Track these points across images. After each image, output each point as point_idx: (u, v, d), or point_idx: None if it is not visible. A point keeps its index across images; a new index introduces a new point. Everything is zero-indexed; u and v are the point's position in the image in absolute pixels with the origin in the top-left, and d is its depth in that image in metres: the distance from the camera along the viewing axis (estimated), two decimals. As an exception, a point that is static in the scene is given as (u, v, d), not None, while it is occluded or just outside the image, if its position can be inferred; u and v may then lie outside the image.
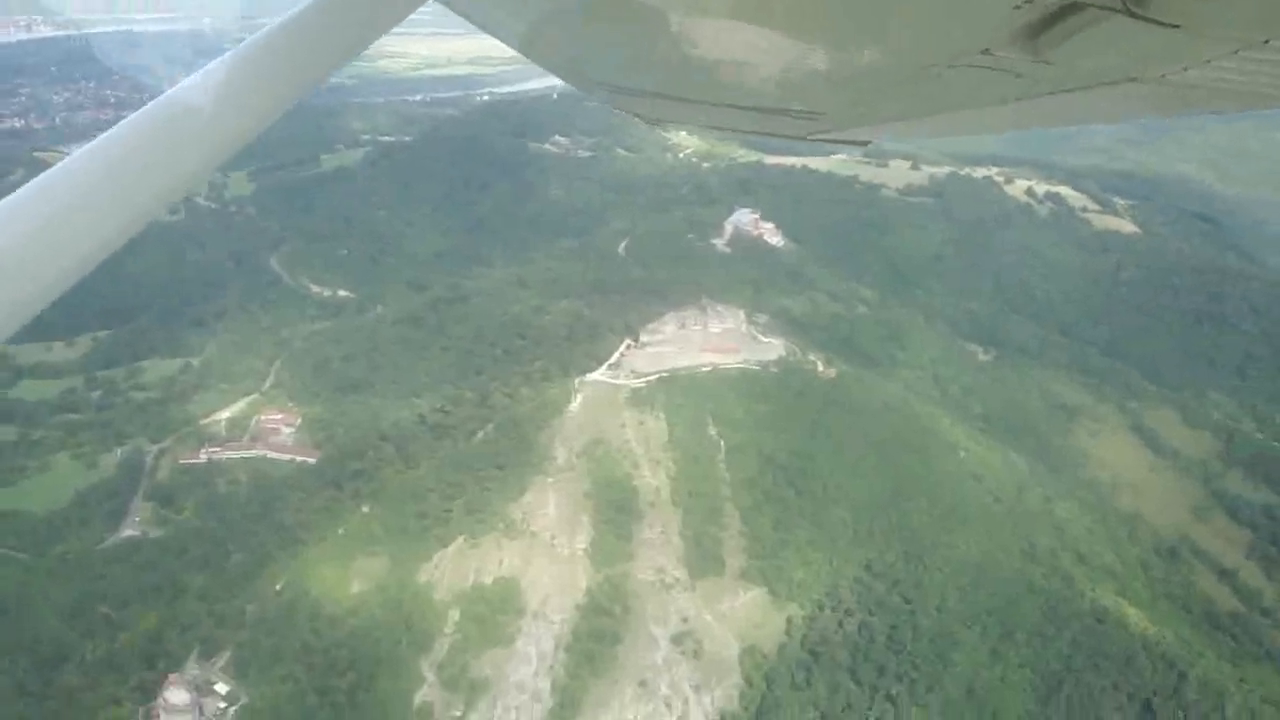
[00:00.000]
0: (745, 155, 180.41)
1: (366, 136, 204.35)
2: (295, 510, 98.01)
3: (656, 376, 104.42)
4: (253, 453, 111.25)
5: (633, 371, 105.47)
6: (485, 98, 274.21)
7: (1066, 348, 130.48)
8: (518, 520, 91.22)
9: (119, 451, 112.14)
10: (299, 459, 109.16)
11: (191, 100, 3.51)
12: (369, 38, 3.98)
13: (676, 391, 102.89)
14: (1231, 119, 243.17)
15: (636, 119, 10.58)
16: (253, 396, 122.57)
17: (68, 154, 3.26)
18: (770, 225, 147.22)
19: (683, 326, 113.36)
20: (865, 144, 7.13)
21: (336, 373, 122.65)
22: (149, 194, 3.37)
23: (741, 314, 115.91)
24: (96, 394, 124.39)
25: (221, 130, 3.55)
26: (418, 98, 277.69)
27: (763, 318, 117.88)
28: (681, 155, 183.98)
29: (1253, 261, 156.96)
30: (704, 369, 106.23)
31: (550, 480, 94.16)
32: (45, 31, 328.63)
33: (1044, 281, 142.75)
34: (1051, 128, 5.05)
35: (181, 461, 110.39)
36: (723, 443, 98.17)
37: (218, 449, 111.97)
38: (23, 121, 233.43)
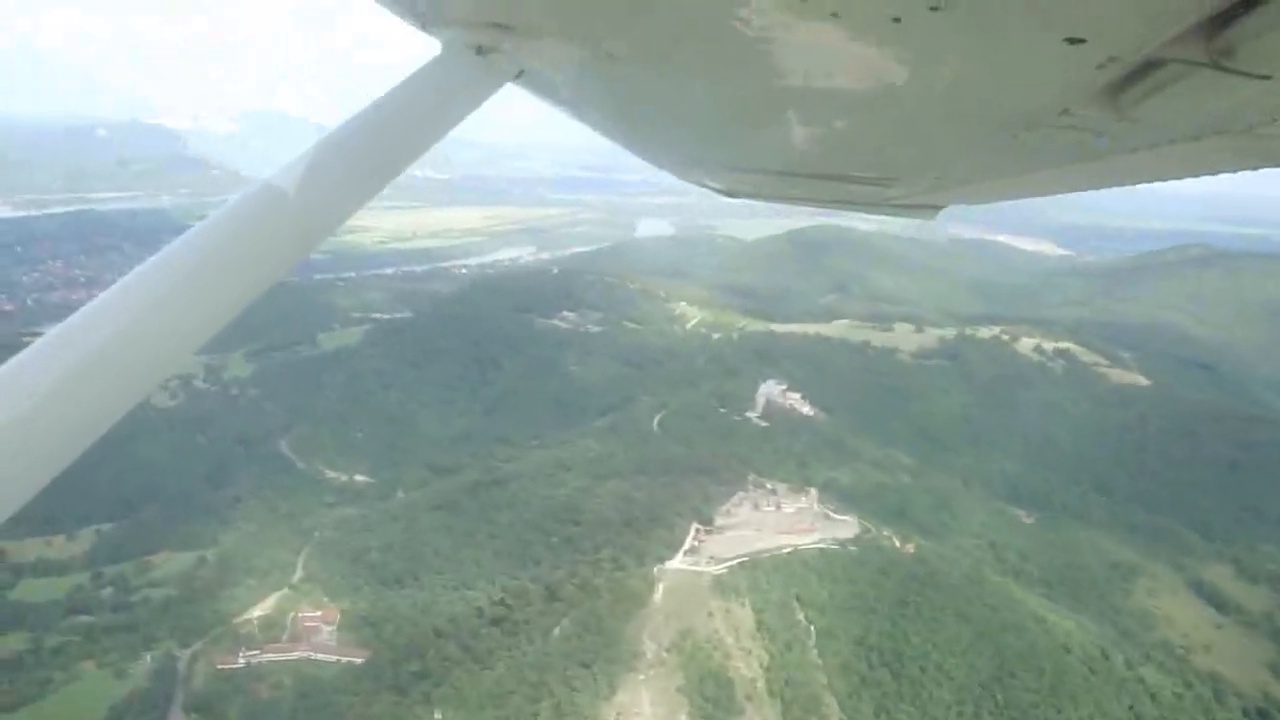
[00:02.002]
0: (752, 324, 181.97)
1: (358, 314, 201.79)
2: (358, 718, 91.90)
3: (737, 561, 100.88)
4: (295, 654, 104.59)
5: (712, 557, 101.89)
6: (464, 270, 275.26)
7: (1107, 505, 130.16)
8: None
9: (149, 658, 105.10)
10: (345, 659, 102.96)
11: (214, 239, 3.37)
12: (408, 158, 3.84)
13: (759, 576, 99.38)
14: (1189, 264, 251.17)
15: (713, 193, 9.77)
16: (283, 591, 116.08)
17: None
18: (797, 395, 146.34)
19: (756, 508, 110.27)
20: (937, 209, 7.13)
21: (373, 564, 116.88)
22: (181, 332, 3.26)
23: (813, 492, 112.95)
24: (107, 592, 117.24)
25: (245, 272, 3.39)
26: (390, 271, 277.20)
27: (832, 495, 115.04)
28: (689, 326, 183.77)
29: (1260, 405, 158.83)
30: (784, 551, 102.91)
31: (642, 677, 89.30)
32: (5, 211, 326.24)
33: (1073, 438, 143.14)
34: (1133, 184, 4.39)
35: (219, 666, 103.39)
36: (812, 628, 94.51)
37: (256, 651, 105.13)
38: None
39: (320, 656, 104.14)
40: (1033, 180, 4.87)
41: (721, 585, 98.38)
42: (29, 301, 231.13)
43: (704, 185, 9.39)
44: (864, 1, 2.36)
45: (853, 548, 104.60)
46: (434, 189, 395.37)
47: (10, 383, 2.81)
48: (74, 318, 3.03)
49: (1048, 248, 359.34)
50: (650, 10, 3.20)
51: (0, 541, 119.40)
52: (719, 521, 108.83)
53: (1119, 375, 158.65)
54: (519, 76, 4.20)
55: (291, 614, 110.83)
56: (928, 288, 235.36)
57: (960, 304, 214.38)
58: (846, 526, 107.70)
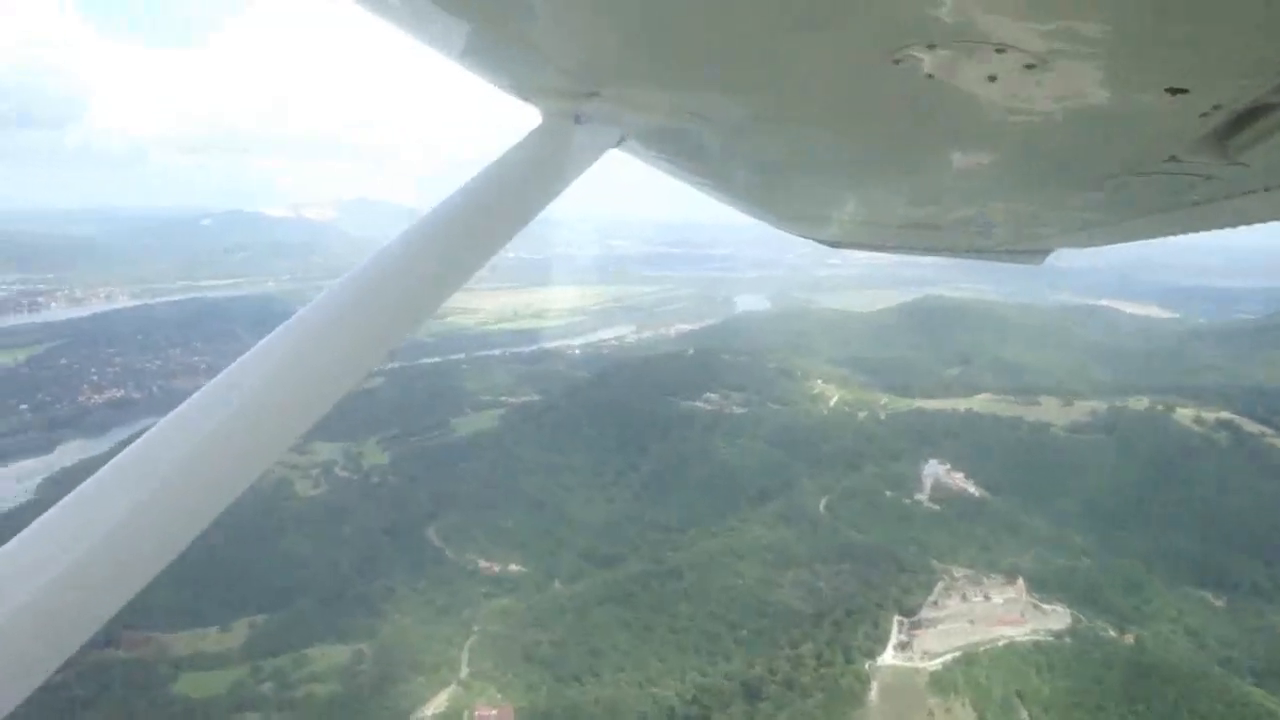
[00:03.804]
0: (894, 401, 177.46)
1: (487, 397, 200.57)
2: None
3: (950, 656, 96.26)
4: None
5: (924, 652, 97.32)
6: (576, 351, 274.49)
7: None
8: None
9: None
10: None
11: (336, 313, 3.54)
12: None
13: (976, 672, 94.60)
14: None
15: (819, 244, 9.32)
16: (451, 688, 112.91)
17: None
18: (960, 475, 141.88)
19: (964, 599, 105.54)
20: (1045, 253, 7.24)
21: (546, 659, 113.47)
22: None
23: (1021, 581, 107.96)
24: (268, 686, 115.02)
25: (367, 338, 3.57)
26: (498, 352, 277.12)
27: (1047, 584, 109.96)
28: (832, 404, 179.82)
29: None
30: (998, 644, 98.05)
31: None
32: (124, 301, 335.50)
33: (1250, 514, 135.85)
34: (1246, 224, 4.28)
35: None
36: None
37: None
38: (122, 391, 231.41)
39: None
40: (1142, 223, 4.78)
41: (938, 682, 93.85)
42: (154, 389, 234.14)
43: (807, 236, 9.19)
44: (967, 61, 2.44)
45: (1068, 639, 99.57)
46: (528, 269, 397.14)
47: (135, 466, 2.90)
48: (185, 406, 3.13)
49: (1153, 310, 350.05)
50: (754, 73, 3.26)
51: (155, 634, 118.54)
52: (926, 614, 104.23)
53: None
54: (620, 143, 4.27)
55: (466, 712, 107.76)
56: (1052, 357, 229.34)
57: (1093, 373, 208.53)
58: (1057, 617, 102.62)
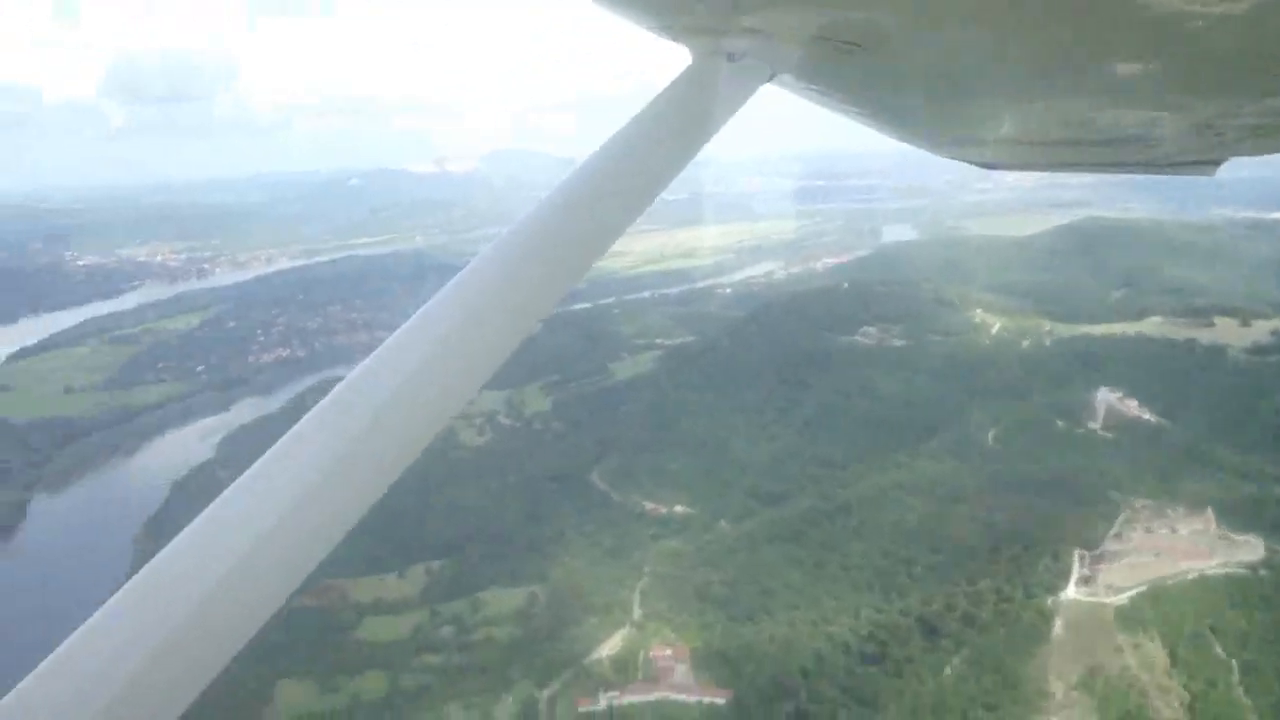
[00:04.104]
0: (1058, 327, 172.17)
1: (642, 341, 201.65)
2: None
3: (1136, 591, 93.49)
4: (654, 695, 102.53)
5: (1109, 587, 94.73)
6: (727, 290, 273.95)
7: None
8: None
9: (509, 699, 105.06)
10: (706, 700, 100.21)
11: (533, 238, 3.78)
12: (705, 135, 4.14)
13: (1164, 606, 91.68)
14: None
15: (974, 167, 8.89)
16: (626, 629, 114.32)
17: (341, 378, 3.49)
18: (1134, 402, 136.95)
19: (1149, 531, 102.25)
20: (1217, 164, 6.74)
21: (718, 598, 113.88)
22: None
23: (1210, 512, 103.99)
24: (447, 630, 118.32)
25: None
26: (648, 294, 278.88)
27: (1238, 514, 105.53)
28: (993, 332, 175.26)
29: None
30: (1188, 577, 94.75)
31: (1054, 719, 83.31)
32: (283, 264, 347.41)
33: None
34: None
35: (581, 709, 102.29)
36: (1234, 662, 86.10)
37: (615, 693, 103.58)
38: (288, 350, 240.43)
39: (679, 697, 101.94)
40: None
41: (1124, 617, 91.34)
42: (317, 346, 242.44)
43: (965, 160, 8.78)
44: None
45: (1264, 572, 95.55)
46: (670, 209, 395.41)
47: (322, 427, 3.12)
48: (362, 368, 3.32)
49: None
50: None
51: (338, 581, 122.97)
52: (1109, 547, 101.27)
53: None
54: (772, 78, 4.32)
55: (642, 652, 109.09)
56: (1223, 276, 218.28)
57: (1269, 291, 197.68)
58: (1250, 548, 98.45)
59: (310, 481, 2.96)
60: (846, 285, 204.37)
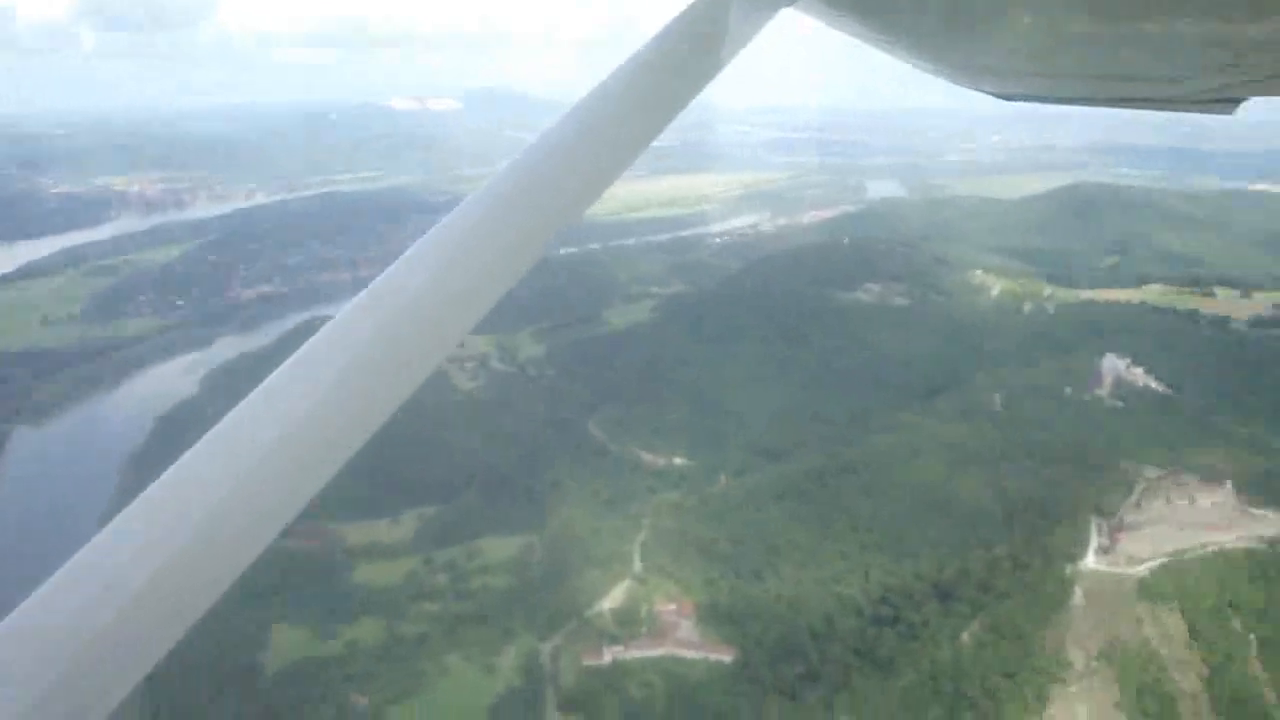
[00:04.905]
0: (1059, 292, 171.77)
1: (636, 289, 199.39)
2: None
3: (1156, 563, 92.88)
4: (659, 651, 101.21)
5: (1130, 557, 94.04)
6: (719, 240, 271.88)
7: None
8: (1046, 737, 79.96)
9: (511, 652, 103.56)
10: (712, 657, 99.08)
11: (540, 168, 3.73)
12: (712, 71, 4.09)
13: (1185, 578, 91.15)
14: None
15: (988, 95, 8.24)
16: (626, 582, 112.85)
17: (325, 316, 3.42)
18: (1140, 370, 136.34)
19: (1169, 501, 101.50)
20: (1237, 103, 6.48)
21: (723, 554, 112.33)
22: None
23: (1229, 485, 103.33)
24: (443, 578, 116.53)
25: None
26: (632, 241, 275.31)
27: (1254, 487, 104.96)
28: (994, 295, 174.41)
29: None
30: (1207, 550, 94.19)
31: (1073, 689, 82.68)
32: (262, 198, 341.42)
33: None
34: None
35: (585, 663, 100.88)
36: (1252, 636, 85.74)
37: (620, 647, 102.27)
38: (270, 286, 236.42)
39: (685, 653, 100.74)
40: None
41: (1145, 588, 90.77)
42: (300, 284, 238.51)
43: (981, 89, 8.11)
44: None
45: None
46: (654, 156, 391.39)
47: (308, 367, 3.12)
48: (351, 307, 3.32)
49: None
50: None
51: (329, 525, 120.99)
52: (1128, 517, 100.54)
53: None
54: (791, 3, 4.29)
55: (645, 607, 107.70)
56: (1215, 244, 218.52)
57: (1263, 262, 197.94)
58: (1268, 522, 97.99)
59: (299, 420, 2.98)
60: (847, 241, 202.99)
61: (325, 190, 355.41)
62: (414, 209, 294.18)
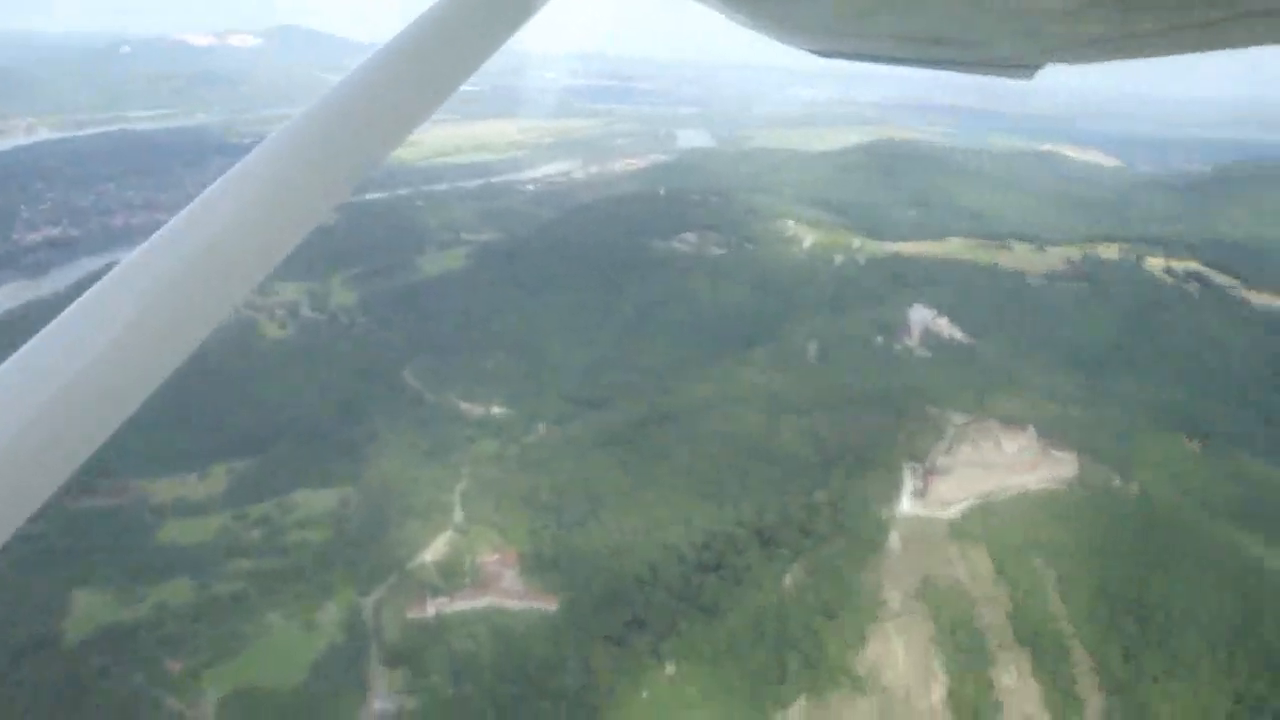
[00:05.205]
0: (868, 244, 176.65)
1: (448, 235, 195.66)
2: (574, 672, 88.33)
3: (967, 505, 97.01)
4: (484, 602, 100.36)
5: (941, 501, 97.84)
6: (530, 187, 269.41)
7: (1273, 433, 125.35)
8: (865, 675, 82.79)
9: (332, 607, 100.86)
10: (537, 607, 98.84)
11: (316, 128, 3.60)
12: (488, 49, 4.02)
13: (992, 519, 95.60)
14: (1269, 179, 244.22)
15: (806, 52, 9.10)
16: (447, 533, 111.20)
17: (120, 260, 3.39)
18: (945, 321, 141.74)
19: (975, 446, 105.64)
20: (1034, 69, 7.00)
21: (544, 503, 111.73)
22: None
23: (1031, 429, 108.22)
24: (257, 534, 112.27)
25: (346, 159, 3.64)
26: (444, 187, 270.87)
27: (1053, 432, 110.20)
28: (806, 246, 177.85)
29: None
30: (1012, 492, 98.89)
31: (890, 627, 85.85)
32: (46, 134, 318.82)
33: (1229, 365, 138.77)
34: (1250, 46, 4.02)
35: (409, 616, 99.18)
36: (1053, 573, 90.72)
37: (445, 600, 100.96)
38: (59, 229, 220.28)
39: (509, 604, 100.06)
40: (1138, 41, 4.66)
41: (955, 529, 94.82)
42: (93, 227, 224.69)
43: (796, 46, 9.11)
44: None
45: (1079, 489, 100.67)
46: (466, 101, 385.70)
47: (96, 310, 3.00)
48: (147, 245, 3.22)
49: (1096, 157, 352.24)
50: None
51: (131, 480, 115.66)
52: (941, 461, 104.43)
53: (1261, 298, 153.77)
54: None
55: (468, 558, 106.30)
56: (1011, 201, 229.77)
57: (1054, 219, 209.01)
58: (1067, 465, 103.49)
59: (81, 368, 2.86)
60: (663, 191, 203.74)
61: (119, 128, 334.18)
62: (217, 149, 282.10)
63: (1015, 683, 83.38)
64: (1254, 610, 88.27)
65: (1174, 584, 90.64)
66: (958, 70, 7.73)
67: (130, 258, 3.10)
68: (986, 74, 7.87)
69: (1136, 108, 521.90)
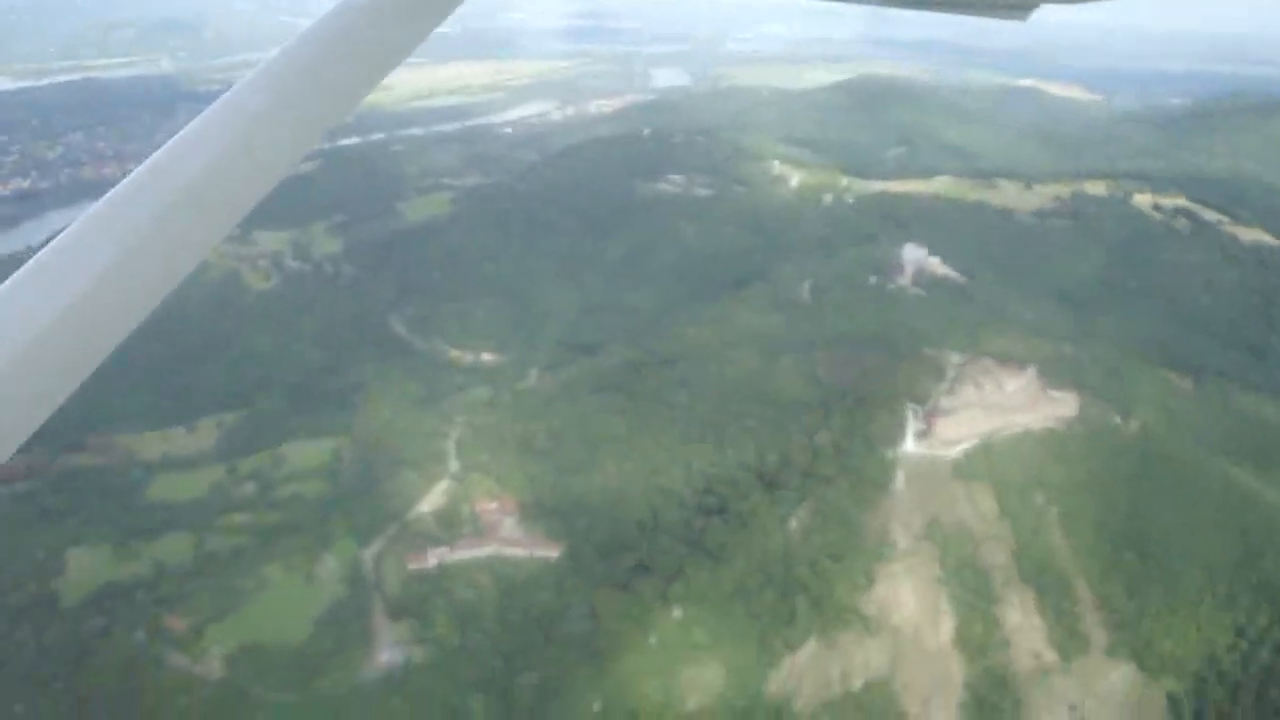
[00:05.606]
0: (856, 183, 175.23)
1: (429, 181, 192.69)
2: (580, 619, 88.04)
3: (970, 445, 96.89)
4: (485, 551, 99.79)
5: (945, 440, 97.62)
6: (508, 130, 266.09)
7: (1263, 367, 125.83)
8: (874, 615, 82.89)
9: (330, 560, 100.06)
10: (539, 554, 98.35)
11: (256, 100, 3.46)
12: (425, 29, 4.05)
13: (994, 458, 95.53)
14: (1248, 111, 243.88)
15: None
16: (445, 482, 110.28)
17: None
18: (937, 260, 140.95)
19: (977, 386, 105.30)
20: (1029, 9, 6.93)
21: (541, 449, 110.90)
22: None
23: (1032, 369, 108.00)
24: (250, 487, 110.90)
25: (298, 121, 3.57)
26: (420, 131, 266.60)
27: (1051, 370, 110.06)
28: (793, 185, 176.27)
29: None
30: (1014, 431, 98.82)
31: (898, 568, 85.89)
32: (5, 83, 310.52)
33: (1218, 300, 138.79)
34: None
35: (411, 568, 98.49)
36: (1055, 509, 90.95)
37: (446, 549, 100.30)
38: (28, 181, 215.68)
39: (511, 551, 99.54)
40: None
41: (959, 469, 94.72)
42: (63, 179, 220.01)
43: None
44: None
45: (1079, 427, 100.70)
46: (438, 43, 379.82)
47: (67, 258, 3.06)
48: (117, 191, 3.26)
49: (1078, 93, 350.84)
50: None
51: (119, 436, 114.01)
52: (943, 402, 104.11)
53: (1250, 234, 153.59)
54: None
55: (466, 506, 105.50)
56: (994, 138, 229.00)
57: (1039, 155, 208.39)
58: (1066, 404, 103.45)
59: (50, 319, 2.86)
60: (647, 132, 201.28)
61: (81, 77, 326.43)
62: (185, 97, 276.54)
63: (1021, 620, 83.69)
64: (1253, 544, 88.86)
65: (1174, 520, 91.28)
66: (954, 12, 7.56)
67: (98, 205, 3.17)
68: (982, 15, 7.70)
69: (1116, 42, 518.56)
